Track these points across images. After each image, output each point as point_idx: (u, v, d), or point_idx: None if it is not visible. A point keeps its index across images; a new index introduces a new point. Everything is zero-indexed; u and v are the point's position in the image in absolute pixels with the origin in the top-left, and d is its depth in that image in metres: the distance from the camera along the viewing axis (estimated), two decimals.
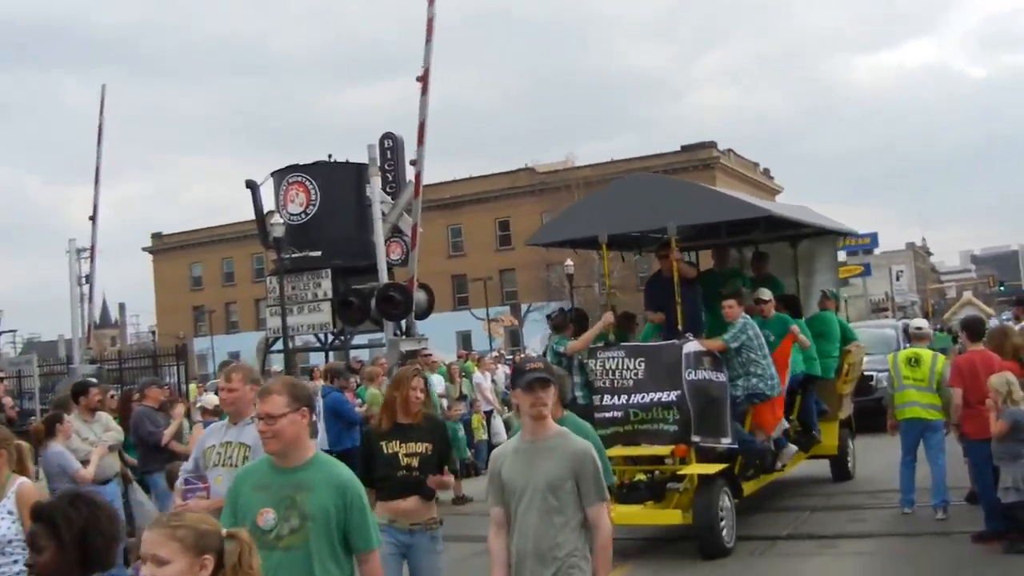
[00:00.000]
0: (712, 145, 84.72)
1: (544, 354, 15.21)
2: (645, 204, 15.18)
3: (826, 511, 16.07)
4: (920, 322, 17.32)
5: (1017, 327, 15.35)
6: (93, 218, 37.61)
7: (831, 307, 18.04)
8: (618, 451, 13.47)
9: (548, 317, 16.60)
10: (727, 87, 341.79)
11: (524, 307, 79.74)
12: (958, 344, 23.26)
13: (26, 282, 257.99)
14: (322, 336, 31.61)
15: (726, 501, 13.47)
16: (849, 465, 18.53)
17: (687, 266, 16.07)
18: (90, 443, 13.07)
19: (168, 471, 13.29)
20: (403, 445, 8.52)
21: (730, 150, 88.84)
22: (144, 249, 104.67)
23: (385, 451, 8.52)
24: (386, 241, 28.83)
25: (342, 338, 30.96)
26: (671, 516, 13.46)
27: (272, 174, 30.98)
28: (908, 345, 24.25)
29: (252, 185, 30.20)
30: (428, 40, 26.10)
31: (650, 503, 13.81)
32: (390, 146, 30.54)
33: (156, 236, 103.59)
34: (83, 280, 44.72)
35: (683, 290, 14.98)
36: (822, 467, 18.23)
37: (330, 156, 31.71)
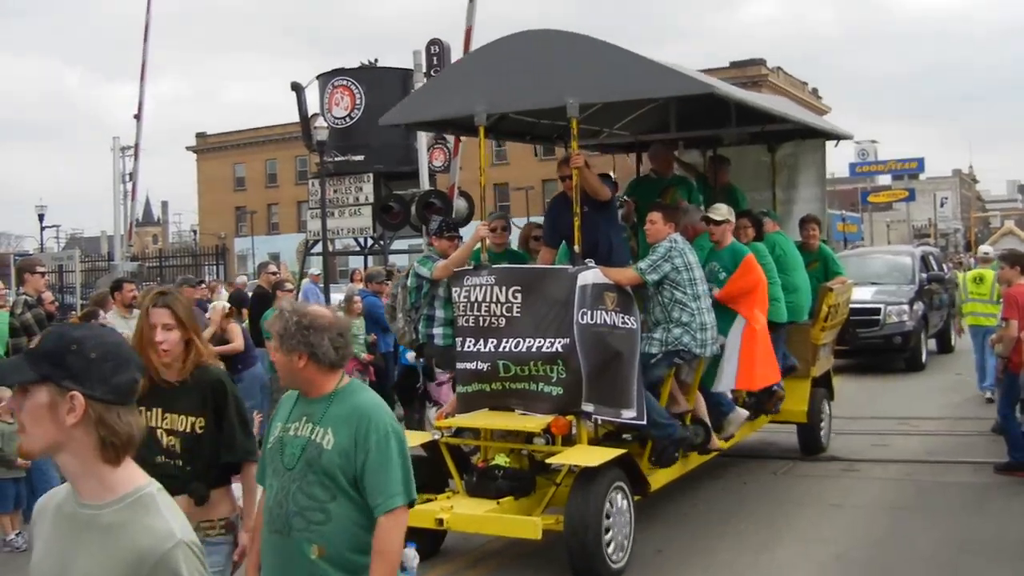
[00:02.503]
0: (761, 62, 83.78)
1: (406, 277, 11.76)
2: (539, 72, 10.71)
3: (850, 435, 16.14)
4: (986, 247, 23.30)
5: None
6: (138, 116, 37.82)
7: (771, 228, 13.54)
8: (483, 419, 10.36)
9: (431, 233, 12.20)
10: (777, 2, 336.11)
11: None
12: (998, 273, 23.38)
13: (68, 178, 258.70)
14: (362, 240, 31.64)
15: (619, 502, 9.73)
16: (822, 434, 14.84)
17: (599, 179, 11.13)
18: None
19: None
20: (164, 417, 6.01)
21: (779, 68, 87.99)
22: (188, 148, 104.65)
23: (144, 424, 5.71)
24: (429, 148, 28.99)
25: (381, 243, 30.98)
26: (524, 527, 9.41)
27: (317, 77, 31.01)
28: (926, 274, 24.91)
29: (297, 87, 30.13)
30: None
31: (507, 500, 9.91)
32: (436, 52, 30.25)
33: (200, 136, 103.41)
34: (126, 178, 45.09)
35: (590, 212, 10.88)
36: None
37: (375, 60, 31.70)
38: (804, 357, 13.95)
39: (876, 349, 23.78)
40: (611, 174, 12.67)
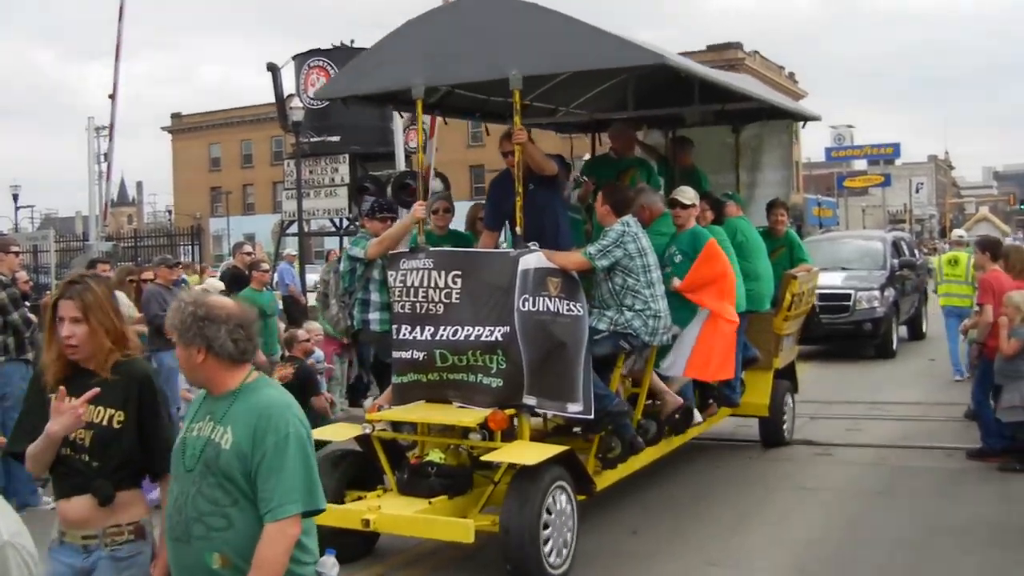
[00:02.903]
0: (738, 46, 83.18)
1: (337, 262, 11.05)
2: (481, 42, 9.92)
3: (824, 419, 16.14)
4: (960, 231, 24.86)
5: None
6: (113, 96, 37.46)
7: (733, 213, 12.75)
8: (416, 412, 9.61)
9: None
10: None
11: None
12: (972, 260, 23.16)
13: (42, 158, 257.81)
14: (337, 221, 31.33)
15: (561, 503, 8.92)
16: (785, 428, 13.99)
17: (544, 155, 10.33)
18: None
19: None
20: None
21: (756, 52, 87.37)
22: (163, 128, 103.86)
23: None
24: (405, 129, 28.59)
25: (357, 223, 30.58)
26: (456, 530, 8.67)
27: (293, 58, 30.56)
28: (897, 260, 24.58)
29: (273, 68, 29.65)
30: None
31: (441, 499, 9.08)
32: None
33: (175, 116, 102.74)
34: (101, 158, 44.76)
35: (535, 190, 10.13)
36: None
37: (352, 41, 31.13)
38: (766, 348, 13.20)
39: (846, 335, 23.11)
40: (564, 156, 11.56)
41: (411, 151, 28.88)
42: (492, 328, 9.29)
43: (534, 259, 9.39)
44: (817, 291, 21.10)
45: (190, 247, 42.07)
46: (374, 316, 10.30)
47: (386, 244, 10.04)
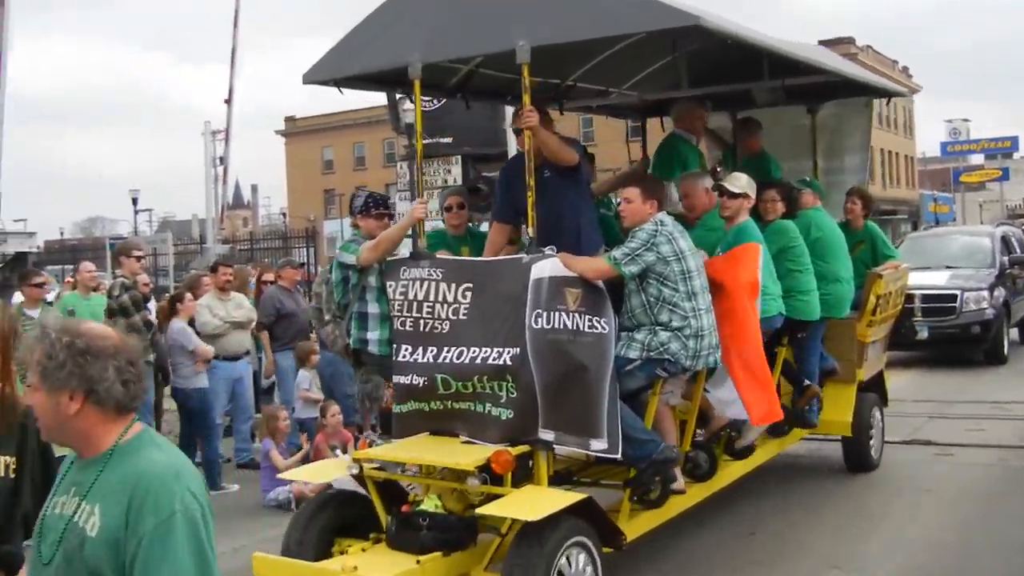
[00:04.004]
0: (850, 41, 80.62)
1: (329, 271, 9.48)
2: (485, 10, 8.23)
3: (942, 419, 15.35)
4: None
5: None
6: (229, 101, 37.90)
7: (810, 203, 10.90)
8: (406, 450, 7.90)
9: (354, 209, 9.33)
10: None
11: None
12: None
13: (159, 162, 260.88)
14: None
15: (578, 562, 7.19)
16: (872, 449, 12.01)
17: (561, 140, 8.60)
18: (221, 319, 13.56)
19: (298, 348, 13.88)
20: None
21: (868, 46, 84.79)
22: (277, 132, 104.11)
23: None
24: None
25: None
26: None
27: None
28: (1007, 257, 22.28)
29: None
30: None
31: (434, 556, 7.29)
32: None
33: (289, 119, 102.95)
34: (217, 162, 45.17)
35: (553, 179, 8.50)
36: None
37: None
38: (848, 358, 11.27)
39: (952, 340, 20.74)
40: (581, 142, 9.57)
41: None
42: (500, 349, 7.66)
43: (549, 266, 7.68)
44: (921, 291, 19.68)
45: (305, 249, 41.89)
46: (373, 335, 8.57)
47: (383, 248, 8.37)
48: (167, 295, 17.04)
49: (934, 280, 20.45)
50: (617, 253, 7.80)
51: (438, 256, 8.38)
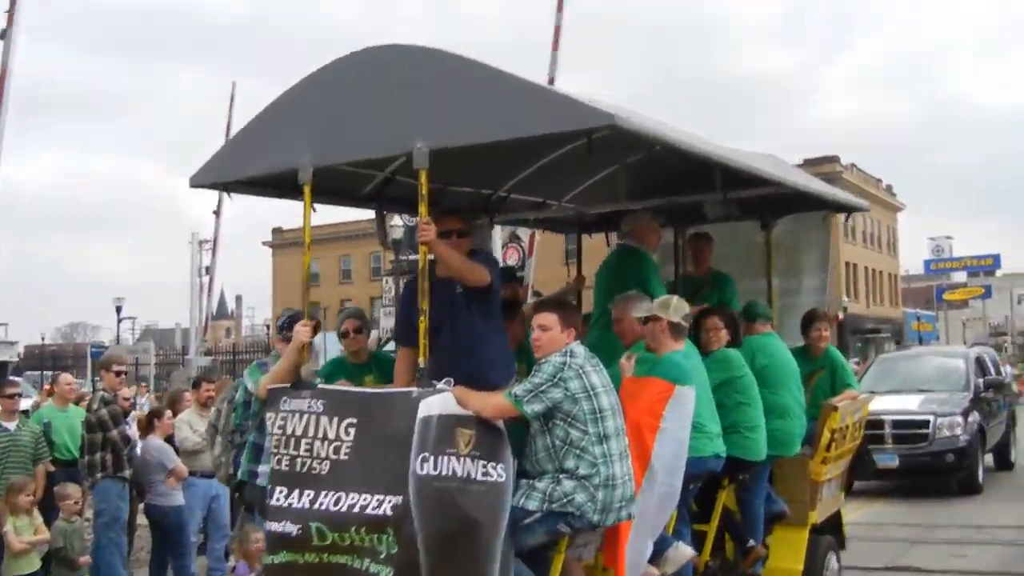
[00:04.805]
0: (835, 159, 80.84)
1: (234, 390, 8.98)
2: (383, 108, 7.12)
3: (926, 544, 15.08)
4: None
5: None
6: (217, 212, 37.57)
7: (757, 329, 9.87)
8: None
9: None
10: (850, 96, 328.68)
11: None
12: None
13: (145, 270, 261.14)
14: None
15: None
16: None
17: (462, 258, 7.43)
18: (201, 436, 12.77)
19: None
20: None
21: (853, 164, 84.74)
22: (264, 243, 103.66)
23: None
24: (503, 246, 27.02)
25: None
26: None
27: None
28: (981, 380, 21.58)
29: None
30: (555, 48, 23.54)
31: None
32: None
33: (276, 231, 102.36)
34: (203, 272, 44.72)
35: (461, 299, 7.54)
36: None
37: None
38: (800, 499, 9.96)
39: (924, 468, 19.60)
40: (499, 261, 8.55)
41: (510, 268, 27.44)
42: (381, 497, 6.57)
43: (440, 402, 6.59)
44: (891, 417, 18.71)
45: None
46: (264, 468, 7.66)
47: (277, 380, 7.40)
48: (146, 405, 17.32)
49: (905, 404, 19.54)
50: (519, 389, 6.67)
51: (321, 387, 7.32)
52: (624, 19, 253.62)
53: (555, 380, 6.61)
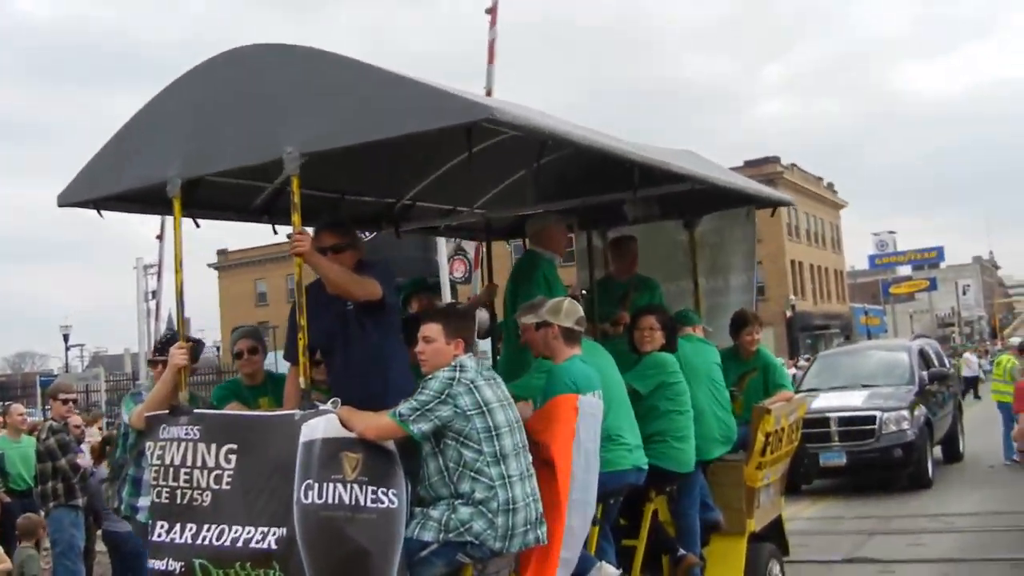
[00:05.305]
0: (776, 160, 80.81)
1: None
2: (252, 112, 6.46)
3: (885, 535, 15.17)
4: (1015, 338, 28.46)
5: None
6: (160, 237, 37.64)
7: (689, 332, 9.35)
8: None
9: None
10: (788, 97, 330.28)
11: None
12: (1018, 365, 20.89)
13: (91, 296, 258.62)
14: None
15: None
16: None
17: (347, 273, 6.76)
18: None
19: None
20: None
21: (793, 164, 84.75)
22: (209, 265, 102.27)
23: None
24: (449, 258, 26.68)
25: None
26: None
27: None
28: (926, 372, 21.59)
29: None
30: (490, 62, 23.15)
31: None
32: None
33: (221, 252, 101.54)
34: (149, 296, 44.47)
35: (355, 313, 6.86)
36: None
37: None
38: (735, 507, 9.43)
39: (872, 464, 19.12)
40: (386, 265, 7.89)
41: (456, 281, 27.52)
42: (265, 529, 5.96)
43: (323, 425, 5.98)
44: (836, 414, 18.34)
45: None
46: (145, 502, 7.01)
47: (153, 408, 6.79)
48: (99, 433, 16.82)
49: (850, 401, 19.14)
50: (404, 408, 6.06)
51: (199, 411, 6.66)
52: (559, 27, 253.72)
53: (443, 397, 6.04)
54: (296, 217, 6.35)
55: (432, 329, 6.41)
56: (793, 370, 32.72)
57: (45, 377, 58.94)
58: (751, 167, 76.90)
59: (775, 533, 10.47)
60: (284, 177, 6.44)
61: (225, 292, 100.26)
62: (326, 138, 6.23)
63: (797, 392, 13.61)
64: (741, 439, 9.41)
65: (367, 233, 19.49)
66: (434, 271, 26.01)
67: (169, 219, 7.69)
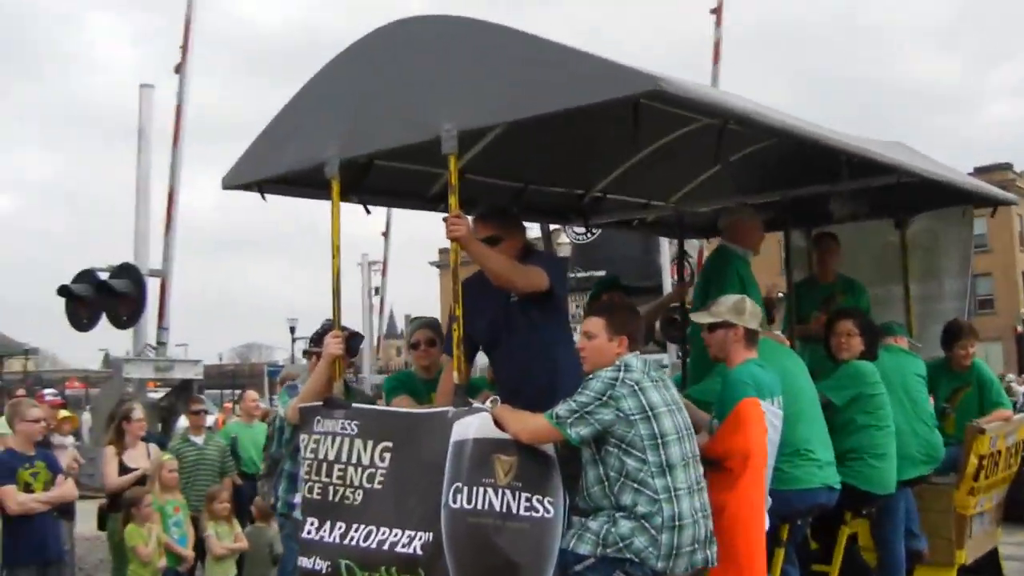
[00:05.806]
0: (1007, 167, 76.90)
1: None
2: (410, 89, 6.06)
3: None
4: None
5: None
6: (386, 234, 37.97)
7: (890, 343, 8.52)
8: None
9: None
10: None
11: None
12: None
13: (316, 291, 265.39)
14: None
15: None
16: None
17: (509, 261, 6.31)
18: None
19: None
20: None
21: None
22: (431, 263, 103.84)
23: None
24: (672, 260, 26.58)
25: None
26: None
27: None
28: None
29: None
30: (715, 62, 22.75)
31: None
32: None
33: (443, 251, 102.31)
34: (373, 292, 45.22)
35: (520, 307, 6.45)
36: None
37: None
38: (944, 536, 8.63)
39: None
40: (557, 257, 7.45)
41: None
42: (412, 534, 5.60)
43: (476, 424, 5.55)
44: None
45: None
46: (298, 499, 6.62)
47: (308, 399, 6.49)
48: None
49: None
50: (561, 409, 5.48)
51: (356, 406, 6.26)
52: (791, 26, 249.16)
53: (604, 399, 5.44)
54: (453, 199, 5.93)
55: (594, 324, 5.86)
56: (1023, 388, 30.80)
57: (273, 367, 60.38)
58: (981, 174, 74.03)
59: (990, 567, 9.67)
60: (463, 163, 6.06)
61: (445, 289, 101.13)
62: (485, 114, 5.84)
63: (1018, 412, 12.13)
64: (951, 460, 8.61)
65: (591, 232, 18.98)
66: (654, 273, 25.51)
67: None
